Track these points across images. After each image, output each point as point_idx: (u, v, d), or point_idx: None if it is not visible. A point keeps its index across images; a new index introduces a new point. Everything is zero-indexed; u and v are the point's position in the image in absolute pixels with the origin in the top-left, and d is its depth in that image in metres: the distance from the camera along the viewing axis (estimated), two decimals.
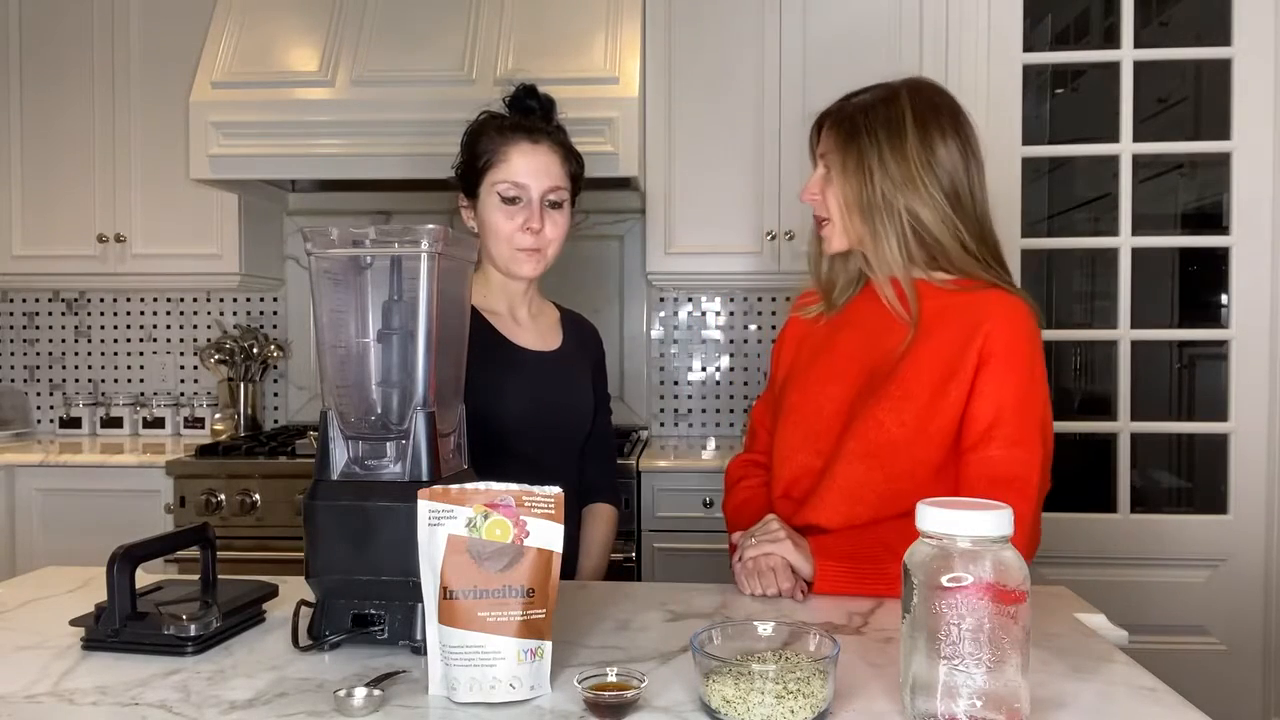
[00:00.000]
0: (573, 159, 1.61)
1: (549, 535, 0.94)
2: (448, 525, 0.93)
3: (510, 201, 1.54)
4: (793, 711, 0.84)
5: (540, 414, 1.59)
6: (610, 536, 1.76)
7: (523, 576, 0.92)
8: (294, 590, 1.22)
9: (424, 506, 0.93)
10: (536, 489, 0.95)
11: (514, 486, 0.94)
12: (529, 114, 1.59)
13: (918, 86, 1.40)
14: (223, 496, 2.57)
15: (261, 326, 3.30)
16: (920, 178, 1.33)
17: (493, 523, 0.92)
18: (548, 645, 0.94)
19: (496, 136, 1.55)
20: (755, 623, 0.98)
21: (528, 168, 1.53)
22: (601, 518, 1.75)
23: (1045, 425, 1.31)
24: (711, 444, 3.05)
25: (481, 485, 0.94)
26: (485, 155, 1.55)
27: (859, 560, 1.28)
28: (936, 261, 1.36)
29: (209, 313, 3.32)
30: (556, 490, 0.95)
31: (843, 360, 1.41)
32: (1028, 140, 2.76)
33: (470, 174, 1.57)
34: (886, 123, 1.35)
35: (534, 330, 1.66)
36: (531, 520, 0.93)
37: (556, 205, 1.57)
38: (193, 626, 1.04)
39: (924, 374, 1.32)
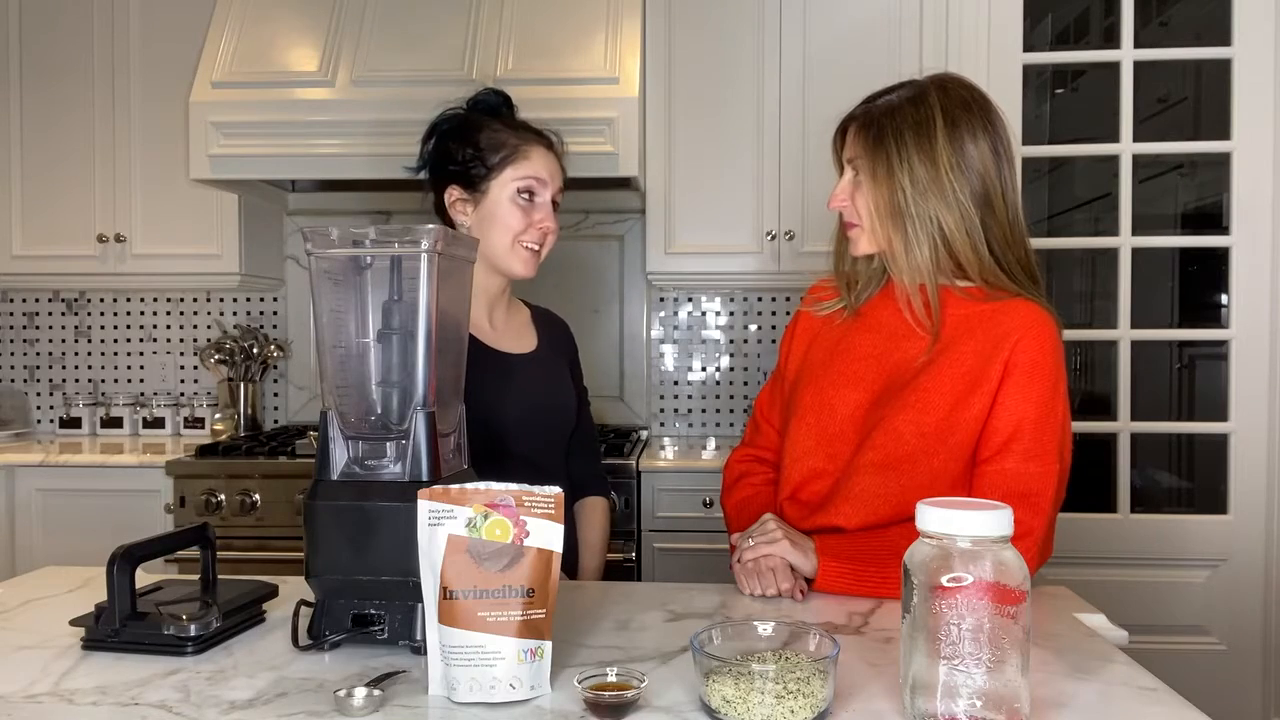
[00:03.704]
0: (564, 168, 1.66)
1: (549, 535, 0.94)
2: (448, 525, 0.93)
3: (529, 198, 1.56)
4: (793, 711, 0.84)
5: (531, 417, 1.60)
6: (607, 529, 1.79)
7: (523, 576, 0.92)
8: (294, 590, 1.22)
9: (424, 506, 0.93)
10: (536, 489, 0.95)
11: (514, 486, 0.94)
12: (497, 114, 1.62)
13: (946, 84, 1.35)
14: (223, 496, 2.57)
15: (261, 326, 3.30)
16: (950, 183, 1.29)
17: (493, 523, 0.93)
18: (548, 645, 0.94)
19: (509, 134, 1.57)
20: (755, 623, 0.98)
21: (547, 168, 1.58)
22: (596, 510, 1.77)
23: (1064, 441, 1.29)
24: (711, 444, 3.05)
25: (481, 485, 0.94)
26: (501, 151, 1.55)
27: (863, 562, 1.28)
28: (962, 269, 1.33)
29: (209, 313, 3.32)
30: (556, 490, 0.95)
31: (859, 363, 1.38)
32: (1028, 140, 2.76)
33: (475, 166, 1.56)
34: (915, 125, 1.31)
35: (509, 333, 1.67)
36: (531, 520, 0.93)
37: (556, 208, 1.62)
38: (193, 626, 1.04)
39: (945, 385, 1.30)
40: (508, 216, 1.55)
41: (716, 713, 0.86)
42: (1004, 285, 1.33)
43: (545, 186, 1.57)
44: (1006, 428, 1.27)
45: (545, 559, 0.94)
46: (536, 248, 1.58)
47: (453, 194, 1.59)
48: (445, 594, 0.92)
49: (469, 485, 0.94)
